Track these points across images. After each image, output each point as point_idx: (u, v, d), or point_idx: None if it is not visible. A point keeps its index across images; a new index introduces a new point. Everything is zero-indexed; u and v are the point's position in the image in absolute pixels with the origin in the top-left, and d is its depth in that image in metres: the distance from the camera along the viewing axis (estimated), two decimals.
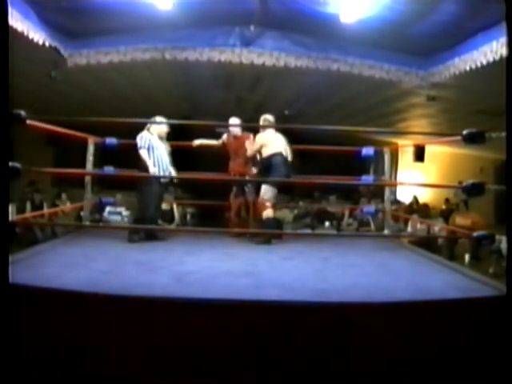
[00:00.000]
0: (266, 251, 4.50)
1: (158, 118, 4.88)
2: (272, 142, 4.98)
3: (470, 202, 8.14)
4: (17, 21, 4.19)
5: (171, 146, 5.14)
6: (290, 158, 5.10)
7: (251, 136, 5.30)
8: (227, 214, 5.72)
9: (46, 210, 7.56)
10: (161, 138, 4.90)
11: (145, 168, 4.67)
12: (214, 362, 2.56)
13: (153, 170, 4.66)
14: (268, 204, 4.93)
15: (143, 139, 4.74)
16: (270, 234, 4.88)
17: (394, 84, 5.93)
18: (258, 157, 5.22)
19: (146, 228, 4.75)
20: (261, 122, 5.19)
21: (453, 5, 4.21)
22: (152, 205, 4.73)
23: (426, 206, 10.10)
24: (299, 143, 5.73)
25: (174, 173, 4.95)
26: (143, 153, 4.69)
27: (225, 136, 5.50)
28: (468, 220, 7.64)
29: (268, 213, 4.92)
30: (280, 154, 4.94)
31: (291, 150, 5.17)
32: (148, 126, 4.86)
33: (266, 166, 4.98)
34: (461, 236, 6.79)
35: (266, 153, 4.99)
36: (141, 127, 4.90)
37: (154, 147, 4.74)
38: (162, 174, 4.75)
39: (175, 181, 5.59)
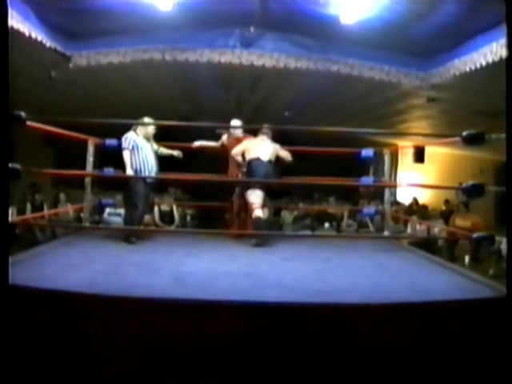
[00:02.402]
0: (266, 252, 4.49)
1: (146, 119, 4.89)
2: (254, 148, 5.06)
3: (469, 203, 8.13)
4: (17, 22, 4.19)
5: (168, 146, 5.17)
6: (283, 160, 5.15)
7: (252, 138, 5.28)
8: (227, 215, 5.70)
9: (46, 212, 7.56)
10: (147, 138, 4.91)
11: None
12: (213, 362, 2.56)
13: (129, 171, 4.70)
14: (255, 206, 4.88)
15: (127, 140, 4.77)
16: (263, 235, 4.82)
17: (394, 85, 5.93)
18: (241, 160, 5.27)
19: (144, 230, 4.76)
20: (260, 133, 5.22)
21: (453, 6, 4.21)
22: (138, 206, 4.74)
23: (424, 207, 10.11)
24: (299, 144, 5.72)
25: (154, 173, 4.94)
26: (125, 154, 4.73)
27: (225, 137, 5.47)
28: (468, 221, 7.63)
29: (257, 213, 4.85)
30: (258, 159, 4.98)
31: (290, 152, 5.21)
32: (134, 126, 4.88)
33: (247, 169, 5.07)
34: (461, 237, 6.78)
35: (247, 157, 5.08)
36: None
37: (138, 148, 4.76)
38: (146, 175, 4.77)
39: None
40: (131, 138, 4.78)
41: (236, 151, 5.17)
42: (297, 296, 2.90)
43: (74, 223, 7.50)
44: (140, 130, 4.86)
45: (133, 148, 4.75)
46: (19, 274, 2.77)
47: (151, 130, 4.94)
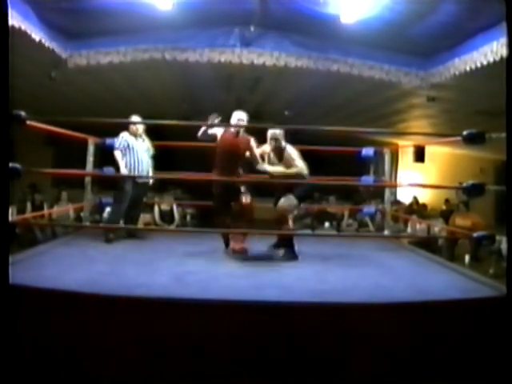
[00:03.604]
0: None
1: (134, 117, 4.89)
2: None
3: (470, 202, 8.12)
4: (17, 21, 4.19)
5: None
6: None
7: (252, 140, 4.45)
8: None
9: (46, 211, 7.56)
10: (141, 137, 4.91)
11: (119, 168, 4.76)
12: (213, 362, 2.56)
13: (123, 171, 4.73)
14: (290, 216, 4.33)
15: (119, 140, 4.80)
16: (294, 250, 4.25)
17: (394, 85, 5.93)
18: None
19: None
20: (269, 137, 4.47)
21: (453, 5, 4.20)
22: (122, 203, 4.75)
23: (424, 206, 10.12)
24: (299, 144, 5.70)
25: (150, 173, 4.99)
26: (116, 154, 4.76)
27: (219, 130, 4.33)
28: (468, 221, 7.62)
29: (291, 225, 4.37)
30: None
31: None
32: (130, 126, 4.90)
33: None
34: (461, 236, 6.78)
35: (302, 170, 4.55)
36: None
37: (130, 148, 4.79)
38: (138, 175, 4.80)
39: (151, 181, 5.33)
40: (123, 138, 4.81)
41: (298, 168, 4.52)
42: (297, 296, 2.89)
43: (73, 223, 7.50)
44: (132, 128, 4.88)
45: (124, 148, 4.77)
46: (19, 274, 2.77)
47: (138, 126, 4.92)
